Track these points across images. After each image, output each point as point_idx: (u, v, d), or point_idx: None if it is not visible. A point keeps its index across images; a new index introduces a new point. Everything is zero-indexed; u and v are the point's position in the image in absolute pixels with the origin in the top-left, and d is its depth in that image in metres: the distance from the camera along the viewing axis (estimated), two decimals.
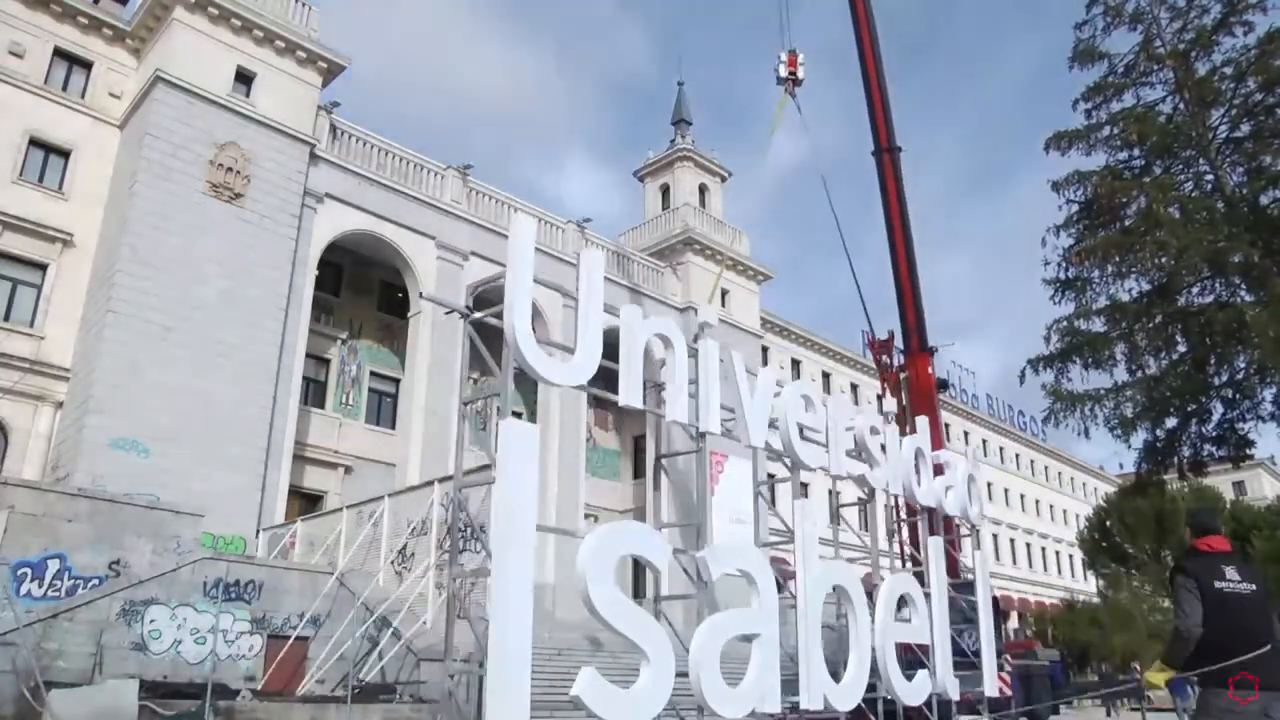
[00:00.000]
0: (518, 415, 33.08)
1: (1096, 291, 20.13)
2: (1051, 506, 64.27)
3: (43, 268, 22.48)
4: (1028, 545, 60.07)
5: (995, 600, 20.61)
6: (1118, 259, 19.37)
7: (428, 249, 28.00)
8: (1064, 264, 20.34)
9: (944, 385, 21.71)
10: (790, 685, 20.64)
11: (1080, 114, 20.96)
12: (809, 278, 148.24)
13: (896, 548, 14.29)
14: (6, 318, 21.67)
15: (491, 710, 5.33)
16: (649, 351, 7.84)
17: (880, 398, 50.45)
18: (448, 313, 9.87)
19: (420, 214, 28.08)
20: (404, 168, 28.40)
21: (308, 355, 25.39)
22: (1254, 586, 5.06)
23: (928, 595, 10.35)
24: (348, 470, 27.07)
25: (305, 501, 25.87)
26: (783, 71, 29.80)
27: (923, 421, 12.54)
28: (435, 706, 14.55)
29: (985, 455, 54.40)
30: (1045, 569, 61.41)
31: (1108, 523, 50.67)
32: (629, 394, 7.33)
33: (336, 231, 26.13)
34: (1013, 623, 48.81)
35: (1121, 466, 56.59)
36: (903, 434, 11.29)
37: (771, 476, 39.24)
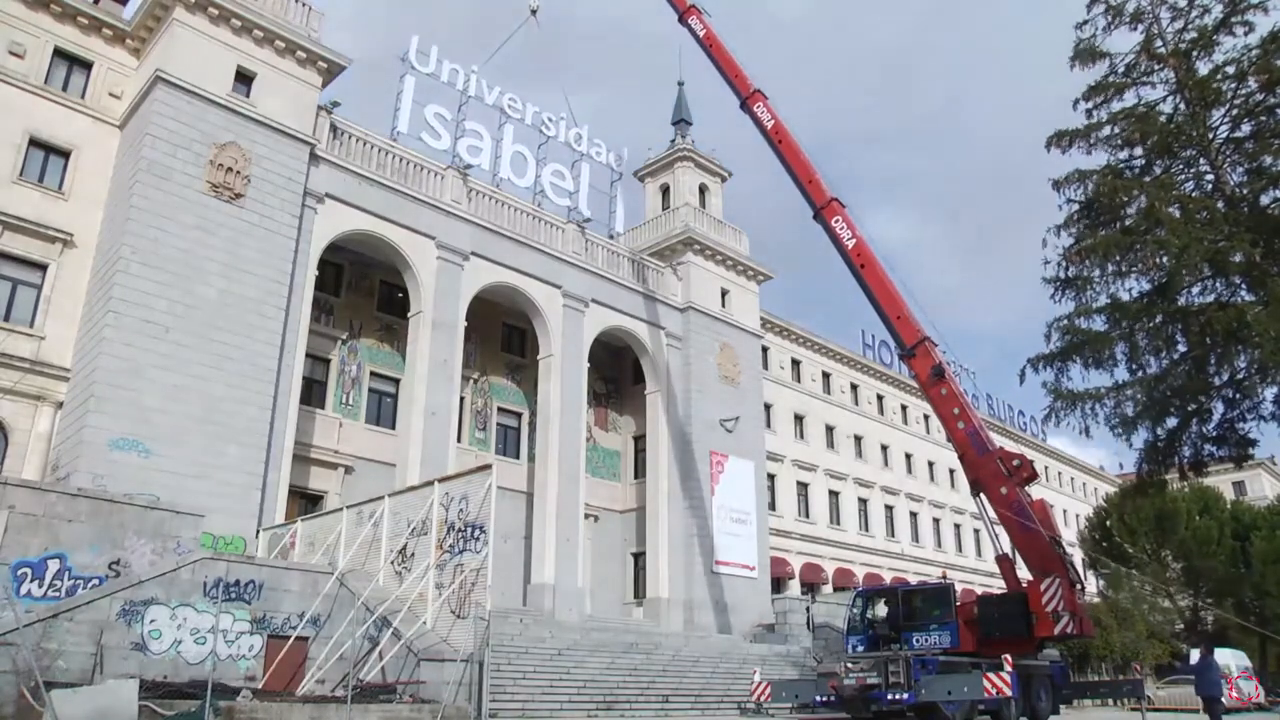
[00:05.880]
0: (518, 415, 33.09)
1: (1097, 290, 20.16)
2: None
3: (43, 268, 22.43)
4: None
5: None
6: (1118, 258, 19.38)
7: (428, 249, 27.98)
8: (1064, 263, 20.35)
9: (939, 373, 21.49)
10: (794, 685, 20.62)
11: (1080, 113, 20.98)
12: (808, 276, 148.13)
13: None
14: (6, 318, 21.63)
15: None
16: None
17: (880, 399, 50.58)
18: None
19: (420, 214, 28.06)
20: (404, 168, 28.36)
21: (308, 355, 25.37)
22: None
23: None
24: (348, 470, 27.05)
25: (305, 501, 25.87)
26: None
27: None
28: (435, 706, 14.56)
29: None
30: None
31: (1108, 523, 50.69)
32: None
33: (336, 231, 26.10)
34: None
35: (1121, 466, 56.68)
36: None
37: (772, 477, 39.39)
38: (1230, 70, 19.28)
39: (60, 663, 13.58)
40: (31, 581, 15.09)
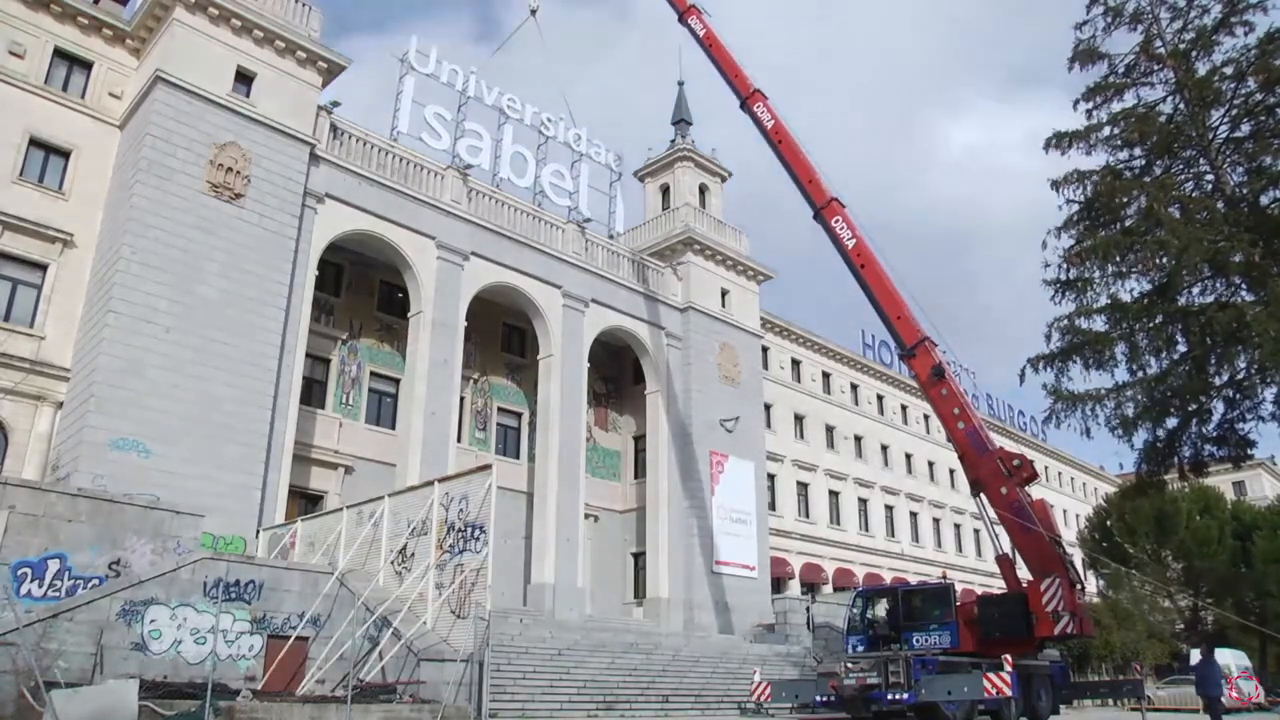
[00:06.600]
0: (518, 415, 33.10)
1: (1097, 291, 20.15)
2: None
3: (43, 268, 22.43)
4: None
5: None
6: (1118, 259, 19.39)
7: (428, 249, 27.98)
8: (1064, 264, 20.36)
9: (939, 373, 21.50)
10: (794, 685, 20.62)
11: (1080, 114, 20.99)
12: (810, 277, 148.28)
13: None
14: (6, 318, 21.63)
15: None
16: None
17: (880, 399, 50.61)
18: None
19: (420, 214, 28.06)
20: (404, 168, 28.36)
21: (308, 355, 25.37)
22: None
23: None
24: (348, 470, 27.06)
25: (305, 501, 25.88)
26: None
27: None
28: (435, 706, 14.56)
29: None
30: None
31: (1108, 523, 50.68)
32: None
33: (336, 231, 26.10)
34: None
35: (1121, 466, 56.68)
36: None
37: (772, 477, 39.38)
38: (1229, 70, 19.28)
39: (60, 663, 13.56)
40: (31, 581, 15.09)
